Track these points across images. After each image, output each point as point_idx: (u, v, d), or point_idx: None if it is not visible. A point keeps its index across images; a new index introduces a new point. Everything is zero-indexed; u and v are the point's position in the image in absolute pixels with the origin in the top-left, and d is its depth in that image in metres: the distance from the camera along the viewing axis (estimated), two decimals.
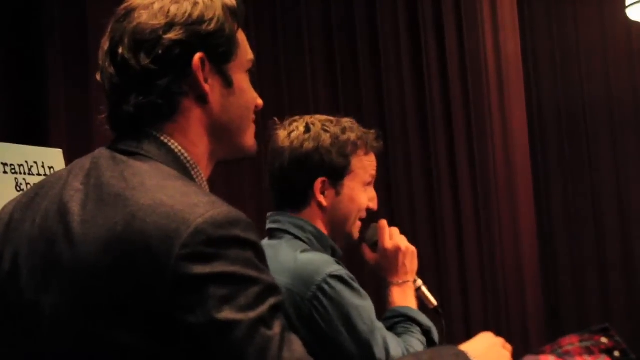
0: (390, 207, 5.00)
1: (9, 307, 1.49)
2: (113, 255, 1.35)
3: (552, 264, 5.39)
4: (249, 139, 1.64)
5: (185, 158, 1.52)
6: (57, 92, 4.14)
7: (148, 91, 1.49)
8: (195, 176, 1.54)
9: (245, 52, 1.61)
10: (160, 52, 1.48)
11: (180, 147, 1.52)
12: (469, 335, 1.69)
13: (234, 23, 1.56)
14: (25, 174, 3.48)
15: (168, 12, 1.51)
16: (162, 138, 1.51)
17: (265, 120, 2.26)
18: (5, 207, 1.62)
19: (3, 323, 1.50)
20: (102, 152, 1.53)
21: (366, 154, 2.38)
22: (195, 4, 1.52)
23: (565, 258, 5.42)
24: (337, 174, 2.32)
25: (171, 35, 1.49)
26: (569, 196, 5.43)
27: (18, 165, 3.47)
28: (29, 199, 1.56)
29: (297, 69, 5.16)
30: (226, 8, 1.55)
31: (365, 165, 2.38)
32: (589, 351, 1.61)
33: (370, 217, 2.46)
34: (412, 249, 2.50)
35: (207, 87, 1.52)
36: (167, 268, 1.30)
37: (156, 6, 1.52)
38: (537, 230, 4.98)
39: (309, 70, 5.15)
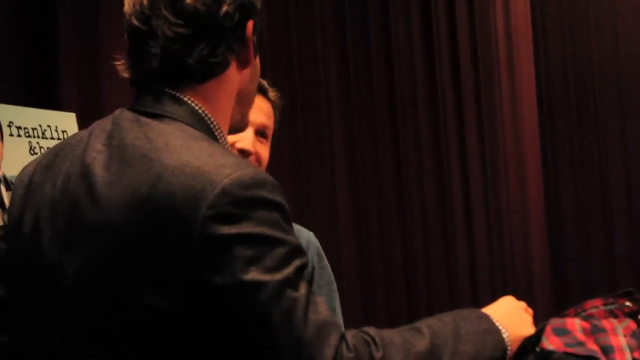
0: (400, 182, 5.00)
1: (32, 269, 1.49)
2: (138, 216, 1.35)
3: (561, 249, 5.39)
4: (247, 115, 1.66)
5: (209, 119, 1.51)
6: (69, 58, 4.12)
7: (216, 45, 1.49)
8: (219, 137, 1.53)
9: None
10: (229, 10, 1.49)
11: (203, 108, 1.51)
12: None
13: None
14: (39, 137, 3.47)
15: None
16: (184, 98, 1.50)
17: None
18: (24, 168, 1.61)
19: (26, 285, 1.50)
20: (124, 114, 1.51)
21: None
22: None
23: (573, 243, 5.41)
24: None
25: None
26: (577, 172, 5.42)
27: (32, 128, 3.46)
28: (49, 161, 1.55)
29: (308, 51, 5.12)
30: None
31: None
32: (613, 314, 1.62)
33: None
34: None
35: (250, 53, 1.54)
36: (194, 228, 1.30)
37: None
38: (545, 204, 4.99)
39: (319, 47, 5.13)
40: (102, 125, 1.52)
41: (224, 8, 1.49)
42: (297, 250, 1.36)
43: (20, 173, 1.61)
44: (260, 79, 2.19)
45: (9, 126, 3.37)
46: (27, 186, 1.55)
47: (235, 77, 1.54)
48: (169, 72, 1.49)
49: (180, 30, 1.47)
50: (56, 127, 3.57)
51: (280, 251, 1.33)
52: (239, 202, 1.32)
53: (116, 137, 1.46)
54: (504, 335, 1.55)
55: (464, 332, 1.50)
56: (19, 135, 3.40)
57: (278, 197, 1.37)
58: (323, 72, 5.11)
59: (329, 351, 1.32)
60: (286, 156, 4.98)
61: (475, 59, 4.95)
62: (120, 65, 1.54)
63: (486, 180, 4.91)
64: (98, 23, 3.99)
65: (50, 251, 1.46)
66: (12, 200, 1.57)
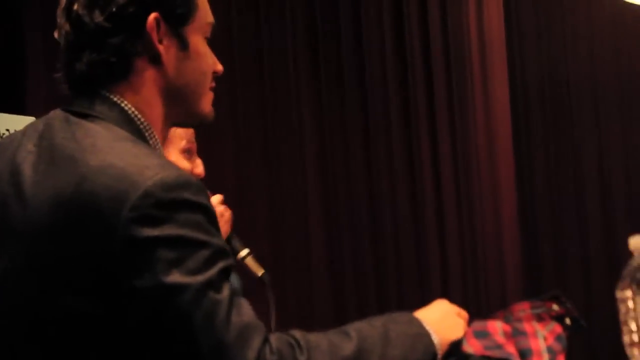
0: (370, 185, 5.00)
1: None
2: (63, 217, 1.36)
3: (534, 244, 5.38)
4: (206, 105, 1.63)
5: (139, 119, 1.52)
6: (35, 61, 4.13)
7: (101, 49, 1.49)
8: (148, 137, 1.53)
9: (205, 15, 1.60)
10: (114, 9, 1.48)
11: (133, 109, 1.51)
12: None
13: None
14: None
15: None
16: (115, 99, 1.51)
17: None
18: None
19: None
20: (56, 114, 1.52)
21: None
22: None
23: (547, 239, 5.40)
24: None
25: None
26: (552, 177, 5.41)
27: None
28: None
29: (279, 58, 5.11)
30: None
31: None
32: (540, 318, 1.62)
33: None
34: (228, 212, 2.56)
35: (161, 48, 1.51)
36: (116, 230, 1.32)
37: None
38: (519, 213, 4.99)
39: (290, 55, 5.11)
40: (35, 126, 1.53)
41: (107, 9, 1.48)
42: (221, 252, 1.37)
43: None
44: None
45: None
46: None
47: (150, 74, 1.53)
48: (76, 78, 1.52)
49: (70, 38, 1.51)
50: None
51: (203, 253, 1.34)
52: (162, 204, 1.33)
53: (46, 138, 1.48)
54: (434, 339, 1.55)
55: (394, 336, 1.51)
56: None
57: (202, 199, 1.38)
58: (293, 72, 5.10)
59: (251, 354, 1.33)
60: (256, 159, 4.99)
61: (447, 61, 4.93)
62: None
63: (459, 185, 4.89)
64: None
65: None
66: None
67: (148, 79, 1.53)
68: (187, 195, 1.36)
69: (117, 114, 1.50)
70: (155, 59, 1.52)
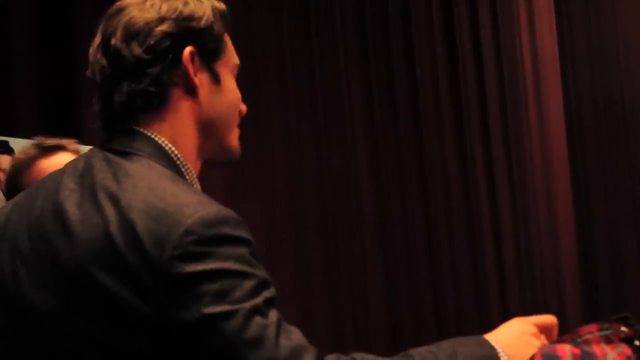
0: (424, 192, 4.98)
1: (8, 307, 1.52)
2: (108, 257, 1.38)
3: (591, 259, 5.31)
4: (235, 140, 1.66)
5: (175, 155, 1.54)
6: (90, 91, 4.18)
7: (140, 79, 1.51)
8: (185, 173, 1.55)
9: (232, 55, 1.64)
10: (152, 42, 1.51)
11: (170, 144, 1.54)
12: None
13: (222, 25, 1.61)
14: None
15: (160, 9, 1.55)
16: (151, 135, 1.53)
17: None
18: (3, 207, 1.66)
19: (3, 323, 1.53)
20: (95, 153, 1.54)
21: None
22: (186, 3, 1.57)
23: (604, 252, 5.33)
24: None
25: (163, 28, 1.52)
26: (610, 194, 5.34)
27: None
28: (25, 200, 1.59)
29: (330, 65, 5.15)
30: (215, 10, 1.60)
31: None
32: (608, 340, 1.58)
33: None
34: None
35: (196, 80, 1.55)
36: (161, 269, 1.33)
37: (148, 3, 1.56)
38: (576, 231, 4.93)
39: (342, 68, 5.14)
40: (75, 164, 1.55)
41: (145, 43, 1.52)
42: (266, 284, 1.38)
43: None
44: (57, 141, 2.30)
45: None
46: (3, 225, 1.58)
47: (186, 106, 1.55)
48: (114, 111, 1.53)
49: (108, 71, 1.52)
50: None
51: (248, 284, 1.35)
52: (203, 240, 1.35)
53: (87, 177, 1.49)
54: None
55: (462, 358, 1.48)
56: None
57: (242, 233, 1.40)
58: (346, 92, 5.12)
59: None
60: (309, 158, 5.01)
61: (500, 67, 4.93)
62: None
63: (513, 192, 4.87)
64: None
65: (26, 289, 1.48)
66: None
67: (183, 110, 1.55)
68: (226, 230, 1.38)
69: (154, 150, 1.52)
70: (191, 91, 1.55)
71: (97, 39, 1.57)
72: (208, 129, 1.59)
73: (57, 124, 4.17)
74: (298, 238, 4.98)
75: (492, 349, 1.52)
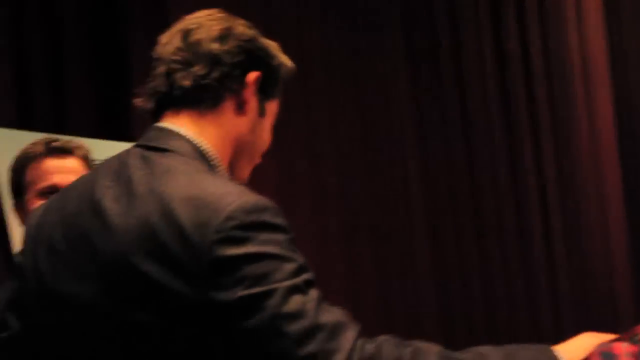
0: (473, 190, 4.96)
1: (48, 304, 1.57)
2: (148, 246, 1.43)
3: None
4: (247, 172, 1.73)
5: (210, 156, 1.61)
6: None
7: (208, 72, 1.60)
8: (219, 172, 1.62)
9: (277, 108, 1.75)
10: (231, 49, 1.62)
11: (205, 145, 1.60)
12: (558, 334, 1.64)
13: (284, 78, 1.74)
14: None
15: (249, 29, 1.69)
16: (186, 135, 1.59)
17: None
18: (34, 210, 1.72)
19: (42, 318, 1.58)
20: (129, 152, 1.60)
21: None
22: (271, 45, 1.71)
23: None
24: None
25: (245, 44, 1.65)
26: None
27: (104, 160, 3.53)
28: (57, 202, 1.64)
29: (377, 67, 5.15)
30: (286, 66, 1.74)
31: None
32: None
33: None
34: None
35: (249, 100, 1.65)
36: (202, 253, 1.39)
37: (241, 21, 1.69)
38: (627, 229, 4.88)
39: (389, 70, 5.14)
40: (108, 164, 1.61)
41: (226, 45, 1.63)
42: (305, 268, 1.44)
43: (29, 217, 1.71)
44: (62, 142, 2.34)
45: None
46: (37, 226, 1.63)
47: (231, 118, 1.64)
48: (169, 94, 1.61)
49: (183, 54, 1.61)
50: None
51: (287, 267, 1.41)
52: (244, 225, 1.41)
53: (123, 174, 1.54)
54: None
55: (521, 357, 1.49)
56: (91, 168, 3.47)
57: (280, 221, 1.46)
58: (394, 95, 5.10)
59: (346, 344, 1.36)
60: (357, 160, 5.02)
61: (550, 83, 4.89)
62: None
63: (565, 200, 4.83)
64: None
65: (65, 283, 1.54)
66: (24, 242, 1.66)
67: (228, 120, 1.64)
68: (266, 217, 1.43)
69: (191, 149, 1.58)
70: (241, 107, 1.64)
71: (180, 26, 1.65)
72: (238, 148, 1.67)
73: (107, 122, 4.22)
74: (349, 244, 4.99)
75: (552, 356, 1.52)
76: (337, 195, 4.98)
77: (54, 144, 2.36)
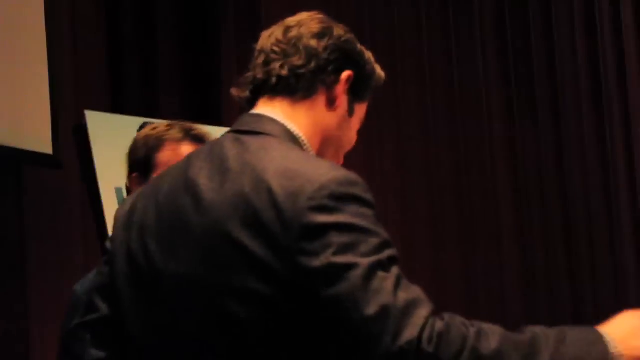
0: (562, 184, 4.91)
1: (139, 282, 1.62)
2: (241, 214, 1.49)
3: None
4: None
5: (302, 140, 1.67)
6: (230, 74, 4.31)
7: (305, 63, 1.67)
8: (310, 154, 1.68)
9: (364, 111, 1.80)
10: (329, 46, 1.70)
11: (297, 130, 1.67)
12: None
13: (374, 85, 1.80)
14: None
15: (348, 32, 1.76)
16: (280, 121, 1.66)
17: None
18: (125, 201, 1.79)
19: (135, 299, 1.63)
20: (223, 137, 1.66)
21: None
22: (367, 52, 1.78)
23: None
24: None
25: (343, 44, 1.72)
26: None
27: None
28: (151, 188, 1.70)
29: (469, 64, 5.14)
30: (379, 74, 1.80)
31: None
32: None
33: None
34: None
35: (340, 96, 1.71)
36: (294, 220, 1.44)
37: (342, 25, 1.76)
38: None
39: (481, 68, 5.13)
40: (202, 149, 1.68)
41: (324, 42, 1.70)
42: (389, 244, 1.48)
43: (121, 205, 1.77)
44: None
45: None
46: (129, 212, 1.69)
47: (322, 110, 1.71)
48: (266, 81, 1.69)
49: (282, 46, 1.69)
50: None
51: (373, 241, 1.44)
52: (336, 196, 1.46)
53: (217, 154, 1.61)
54: (613, 350, 1.52)
55: (570, 337, 1.51)
56: None
57: (369, 196, 1.50)
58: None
59: (418, 321, 1.39)
60: (445, 160, 5.03)
61: None
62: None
63: None
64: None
65: (158, 261, 1.59)
66: (114, 228, 1.72)
67: (318, 113, 1.70)
68: (356, 191, 1.49)
69: (283, 133, 1.64)
70: (332, 102, 1.70)
71: (282, 23, 1.74)
72: (325, 140, 1.73)
73: (198, 107, 4.31)
74: (435, 243, 5.00)
75: (601, 337, 1.53)
76: (426, 197, 4.99)
77: (194, 132, 2.45)
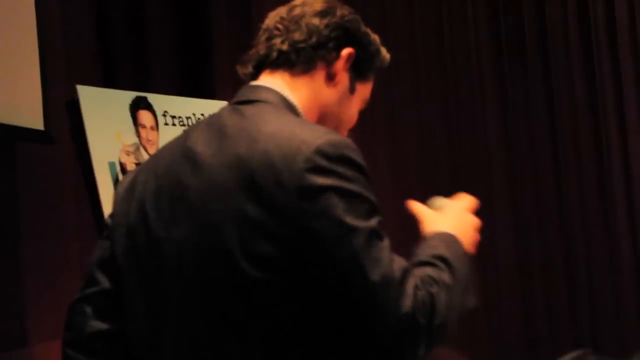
0: (557, 177, 4.94)
1: (140, 253, 1.64)
2: (237, 175, 1.52)
3: None
4: None
5: (298, 109, 1.71)
6: (222, 48, 4.30)
7: (306, 39, 1.73)
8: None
9: (368, 90, 1.86)
10: (331, 23, 1.75)
11: (295, 100, 1.71)
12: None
13: (378, 65, 1.85)
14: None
15: (351, 12, 1.81)
16: (278, 90, 1.70)
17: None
18: (126, 175, 1.82)
19: (136, 271, 1.65)
20: (222, 108, 1.70)
21: None
22: (371, 33, 1.83)
23: None
24: None
25: (345, 23, 1.77)
26: None
27: (186, 117, 3.63)
28: (149, 163, 1.74)
29: (463, 57, 5.16)
30: (383, 54, 1.85)
31: None
32: None
33: None
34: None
35: (340, 72, 1.75)
36: (291, 180, 1.48)
37: (347, 6, 1.82)
38: None
39: (474, 61, 5.15)
40: (200, 121, 1.72)
41: (325, 20, 1.75)
42: (377, 209, 1.54)
43: (121, 180, 1.80)
44: None
45: (164, 115, 3.53)
46: (128, 186, 1.72)
47: (321, 85, 1.75)
48: (267, 56, 1.74)
49: (285, 23, 1.75)
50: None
51: (365, 205, 1.51)
52: (331, 158, 1.50)
53: (215, 123, 1.64)
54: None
55: (451, 255, 1.62)
56: (173, 124, 3.56)
57: (361, 160, 1.55)
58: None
59: (410, 290, 1.48)
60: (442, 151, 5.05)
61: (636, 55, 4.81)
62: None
63: None
64: (252, 19, 4.14)
65: (157, 228, 1.61)
66: (114, 202, 1.74)
67: (317, 87, 1.74)
68: (350, 153, 1.53)
69: (280, 100, 1.68)
70: (331, 77, 1.75)
71: (287, 4, 1.79)
72: (323, 115, 1.77)
73: (192, 80, 4.31)
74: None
75: (458, 243, 1.67)
76: (419, 176, 5.01)
77: None
